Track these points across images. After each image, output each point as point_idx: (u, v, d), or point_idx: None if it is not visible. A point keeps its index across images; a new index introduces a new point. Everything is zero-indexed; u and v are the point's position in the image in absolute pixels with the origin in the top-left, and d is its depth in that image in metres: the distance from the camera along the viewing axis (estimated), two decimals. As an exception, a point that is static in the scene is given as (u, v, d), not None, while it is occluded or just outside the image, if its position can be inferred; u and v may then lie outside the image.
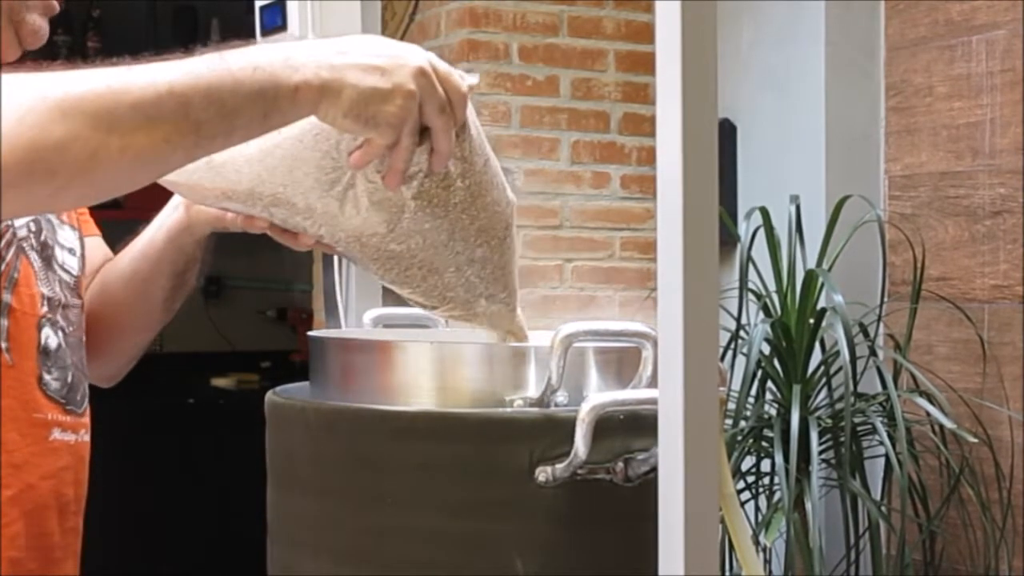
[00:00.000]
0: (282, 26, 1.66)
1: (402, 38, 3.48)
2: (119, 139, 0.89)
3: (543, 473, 1.04)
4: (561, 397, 1.06)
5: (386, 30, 3.38)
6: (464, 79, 1.04)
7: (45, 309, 1.25)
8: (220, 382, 4.92)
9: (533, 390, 1.07)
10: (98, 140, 0.88)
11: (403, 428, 1.08)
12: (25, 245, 1.25)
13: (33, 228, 1.27)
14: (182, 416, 4.57)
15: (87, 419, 1.29)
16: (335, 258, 1.64)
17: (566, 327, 1.06)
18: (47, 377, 1.23)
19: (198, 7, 4.94)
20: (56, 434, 1.24)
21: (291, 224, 1.14)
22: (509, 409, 1.07)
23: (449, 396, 1.10)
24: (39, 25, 1.23)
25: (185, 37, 4.84)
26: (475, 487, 1.05)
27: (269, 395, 1.22)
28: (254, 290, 5.26)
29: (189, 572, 4.29)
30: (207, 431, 4.46)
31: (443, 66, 1.02)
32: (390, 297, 1.65)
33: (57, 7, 1.26)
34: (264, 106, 0.94)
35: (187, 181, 1.12)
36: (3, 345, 1.19)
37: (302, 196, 1.09)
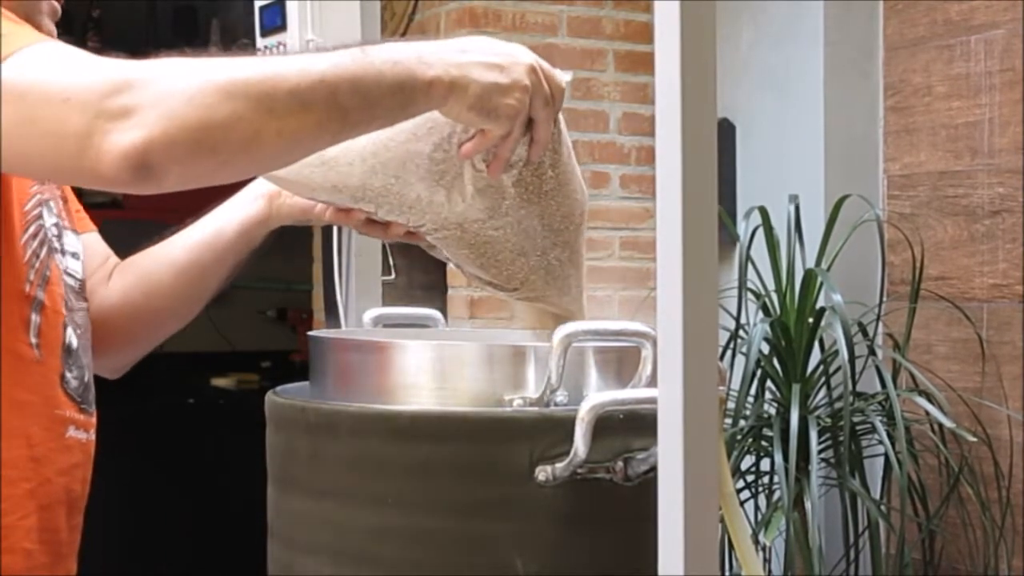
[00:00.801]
0: (282, 26, 1.67)
1: (402, 38, 3.48)
2: (276, 122, 0.97)
3: (543, 472, 1.04)
4: (561, 396, 1.07)
5: (385, 30, 3.38)
6: (563, 76, 1.14)
7: (65, 310, 1.27)
8: (220, 382, 4.92)
9: (533, 390, 1.08)
10: (259, 122, 0.96)
11: (403, 428, 1.08)
12: (56, 244, 1.28)
13: (55, 232, 1.28)
14: (182, 416, 4.57)
15: (95, 419, 1.32)
16: (335, 258, 1.64)
17: (566, 326, 1.06)
18: (68, 375, 1.26)
19: (198, 7, 4.94)
20: (71, 431, 1.26)
21: (391, 216, 1.20)
22: (509, 409, 1.07)
23: (449, 396, 1.10)
24: (51, 30, 1.27)
25: (185, 37, 4.84)
26: (475, 487, 1.05)
27: (269, 395, 1.22)
28: (254, 290, 5.26)
29: (189, 572, 4.29)
30: (207, 431, 4.45)
31: (546, 64, 1.12)
32: (390, 297, 1.66)
33: (60, 11, 1.30)
34: (402, 98, 1.03)
35: (296, 175, 1.16)
36: (34, 341, 1.21)
37: (411, 187, 1.15)
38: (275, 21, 1.68)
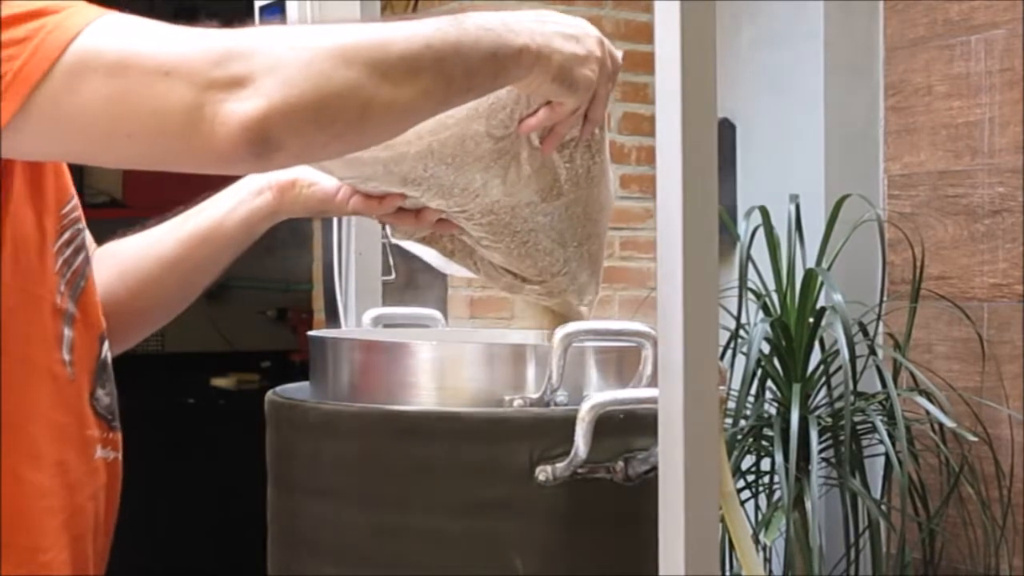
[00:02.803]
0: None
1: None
2: (390, 89, 0.92)
3: (543, 472, 1.04)
4: (561, 396, 1.07)
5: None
6: (618, 53, 1.11)
7: (103, 322, 1.17)
8: (220, 382, 4.92)
9: (533, 390, 1.07)
10: (373, 87, 0.91)
11: (404, 428, 1.08)
12: (92, 250, 1.18)
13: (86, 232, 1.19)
14: (182, 416, 4.57)
15: (120, 437, 1.21)
16: (335, 258, 1.64)
17: (566, 326, 1.06)
18: (99, 392, 1.15)
19: (198, 7, 4.93)
20: (99, 452, 1.15)
21: (436, 200, 1.15)
22: (509, 409, 1.07)
23: (449, 396, 1.10)
24: None
25: (185, 37, 4.84)
26: (475, 487, 1.05)
27: (269, 395, 1.22)
28: (254, 290, 5.26)
29: (188, 572, 4.29)
30: (207, 431, 4.45)
31: (606, 39, 1.08)
32: (390, 297, 1.66)
33: None
34: (496, 65, 0.99)
35: (348, 156, 1.09)
36: (67, 358, 1.09)
37: (468, 168, 1.11)
38: (275, 21, 1.68)
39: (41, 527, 1.07)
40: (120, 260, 1.30)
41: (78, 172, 1.16)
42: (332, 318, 1.75)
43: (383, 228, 1.25)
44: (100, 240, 1.33)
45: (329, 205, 1.24)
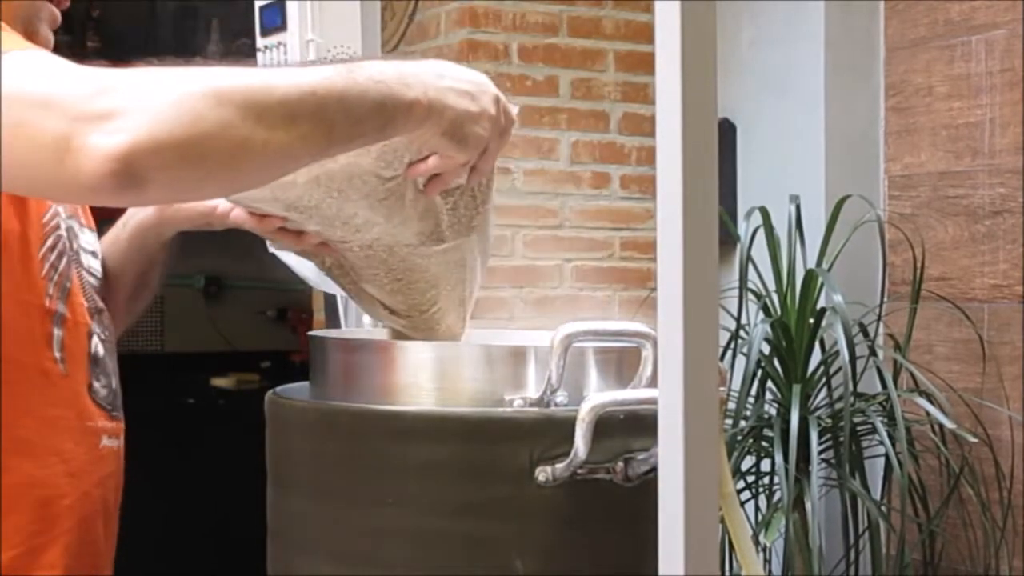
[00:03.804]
0: (282, 26, 1.67)
1: (402, 38, 3.49)
2: (264, 132, 0.92)
3: (543, 473, 1.04)
4: (561, 397, 1.07)
5: (385, 30, 3.38)
6: (513, 109, 1.12)
7: (89, 319, 1.25)
8: (220, 382, 4.92)
9: (533, 390, 1.07)
10: (247, 130, 0.91)
11: (403, 428, 1.08)
12: (74, 247, 1.26)
13: (73, 234, 1.27)
14: (182, 416, 4.57)
15: (123, 425, 1.31)
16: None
17: (566, 327, 1.06)
18: (96, 385, 1.24)
19: (198, 7, 4.94)
20: (104, 441, 1.25)
21: (319, 228, 1.17)
22: (509, 409, 1.07)
23: (449, 396, 1.10)
24: (48, 37, 1.26)
25: (185, 37, 4.85)
26: (475, 487, 1.05)
27: (269, 395, 1.22)
28: (254, 290, 5.25)
29: (188, 572, 4.29)
30: (207, 431, 4.45)
31: (503, 96, 1.10)
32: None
33: (60, 18, 1.28)
34: (383, 117, 0.99)
35: None
36: (58, 355, 1.19)
37: (352, 203, 1.12)
38: (275, 21, 1.68)
39: (35, 512, 1.16)
40: None
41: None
42: (332, 318, 1.75)
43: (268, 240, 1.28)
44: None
45: (211, 218, 1.29)
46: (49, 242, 1.20)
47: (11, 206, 1.14)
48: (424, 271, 1.19)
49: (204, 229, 1.33)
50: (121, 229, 1.38)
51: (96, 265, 1.31)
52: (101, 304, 1.30)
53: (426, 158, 1.08)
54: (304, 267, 1.31)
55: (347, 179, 1.09)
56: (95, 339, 1.25)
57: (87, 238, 1.31)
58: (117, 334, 1.41)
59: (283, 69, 1.00)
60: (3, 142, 0.91)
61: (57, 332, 1.19)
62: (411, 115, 1.01)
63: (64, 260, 1.22)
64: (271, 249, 1.33)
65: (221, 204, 1.25)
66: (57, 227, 1.22)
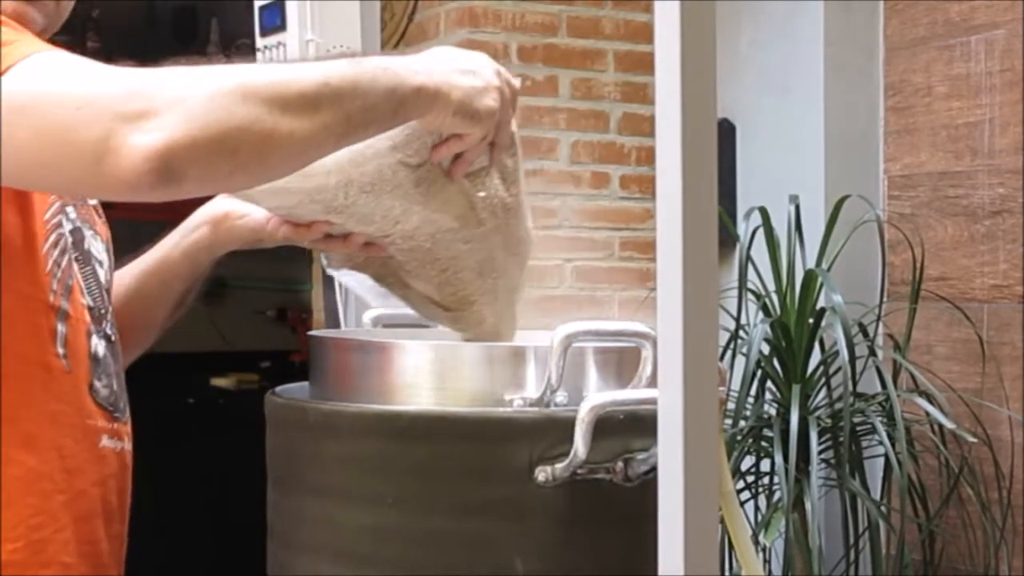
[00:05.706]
0: (281, 26, 1.67)
1: (401, 38, 3.49)
2: (289, 123, 0.98)
3: (543, 473, 1.04)
4: (561, 397, 1.07)
5: (385, 30, 3.38)
6: (515, 80, 1.17)
7: (89, 319, 1.26)
8: (220, 382, 4.92)
9: (533, 390, 1.08)
10: (273, 122, 0.97)
11: (403, 428, 1.08)
12: (74, 254, 1.26)
13: (72, 239, 1.27)
14: (182, 416, 4.57)
15: (129, 428, 1.30)
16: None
17: (566, 327, 1.06)
18: (97, 384, 1.24)
19: (198, 7, 4.94)
20: (104, 441, 1.25)
21: (360, 227, 1.20)
22: (509, 409, 1.07)
23: (449, 396, 1.10)
24: (32, 18, 1.25)
25: (185, 37, 4.84)
26: (475, 487, 1.06)
27: (269, 395, 1.22)
28: (254, 290, 5.25)
29: (188, 572, 4.29)
30: (207, 431, 4.45)
31: (503, 68, 1.15)
32: (390, 297, 1.65)
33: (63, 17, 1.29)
34: (394, 103, 1.05)
35: (274, 187, 1.15)
36: (61, 351, 1.19)
37: (387, 196, 1.16)
38: (275, 21, 1.68)
39: (35, 506, 1.16)
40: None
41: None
42: (332, 318, 1.75)
43: (322, 258, 1.31)
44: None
45: (261, 234, 1.33)
46: (52, 238, 1.21)
47: (14, 203, 1.15)
48: (468, 258, 1.22)
49: (256, 247, 1.37)
50: (171, 250, 1.41)
51: (103, 273, 1.31)
52: (108, 305, 1.30)
53: (446, 140, 1.14)
54: (362, 287, 1.33)
55: (377, 173, 1.14)
56: (95, 338, 1.25)
57: (98, 247, 1.32)
58: (146, 346, 1.45)
59: (294, 64, 1.04)
60: (39, 143, 0.96)
61: (61, 328, 1.20)
62: (420, 98, 1.06)
63: (66, 258, 1.23)
64: (327, 271, 1.35)
65: (271, 221, 1.29)
66: (59, 225, 1.23)
